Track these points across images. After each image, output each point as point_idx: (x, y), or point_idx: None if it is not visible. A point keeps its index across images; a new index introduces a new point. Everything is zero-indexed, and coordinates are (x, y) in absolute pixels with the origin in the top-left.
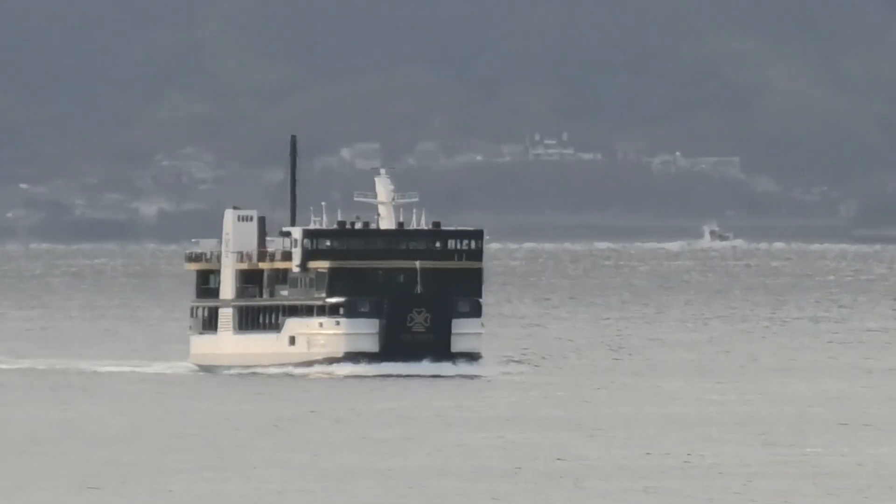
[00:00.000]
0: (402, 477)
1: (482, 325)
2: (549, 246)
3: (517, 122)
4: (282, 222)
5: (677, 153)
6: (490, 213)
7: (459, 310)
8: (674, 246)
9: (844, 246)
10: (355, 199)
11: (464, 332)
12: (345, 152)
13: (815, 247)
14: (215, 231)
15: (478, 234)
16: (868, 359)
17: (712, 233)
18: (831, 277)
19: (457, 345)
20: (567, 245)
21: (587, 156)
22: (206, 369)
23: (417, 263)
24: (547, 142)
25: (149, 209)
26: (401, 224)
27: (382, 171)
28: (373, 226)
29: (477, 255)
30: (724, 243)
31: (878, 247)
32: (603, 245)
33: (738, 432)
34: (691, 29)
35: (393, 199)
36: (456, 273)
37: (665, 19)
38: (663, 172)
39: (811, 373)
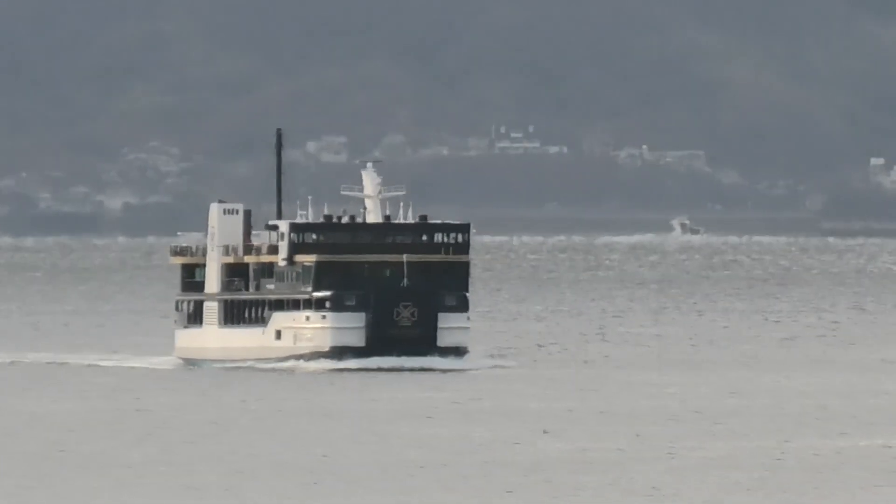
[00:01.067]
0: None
1: (469, 319)
2: (525, 238)
3: (483, 115)
4: (268, 216)
5: (643, 146)
6: (456, 207)
7: (446, 304)
8: (644, 239)
9: (816, 240)
10: (342, 192)
11: (450, 327)
12: (311, 146)
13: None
14: (181, 224)
15: (465, 228)
16: (832, 352)
17: (683, 226)
18: (814, 272)
19: (443, 339)
20: (536, 238)
21: (553, 149)
22: (191, 363)
23: (404, 257)
24: (513, 135)
25: (114, 202)
26: (387, 217)
27: (369, 164)
28: (359, 219)
29: (464, 248)
30: (695, 237)
31: (850, 240)
32: (576, 238)
33: (697, 424)
34: (656, 22)
35: (379, 193)
36: (443, 267)
37: (630, 12)
38: (629, 166)
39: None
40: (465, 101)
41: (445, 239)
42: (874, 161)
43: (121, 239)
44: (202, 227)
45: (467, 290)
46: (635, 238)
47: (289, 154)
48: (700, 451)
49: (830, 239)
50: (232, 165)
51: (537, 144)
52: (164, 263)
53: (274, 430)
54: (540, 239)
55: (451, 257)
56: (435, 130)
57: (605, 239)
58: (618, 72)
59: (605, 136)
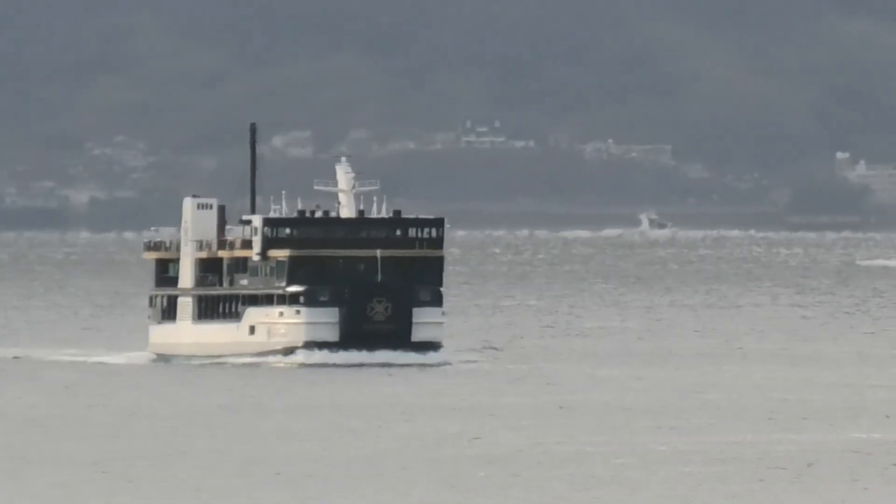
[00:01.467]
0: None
1: (443, 314)
2: (480, 234)
3: (449, 109)
4: (241, 210)
5: (609, 140)
6: (422, 201)
7: (420, 299)
8: (611, 233)
9: (785, 233)
10: (315, 187)
11: (424, 322)
12: (277, 140)
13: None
14: (148, 218)
15: (438, 223)
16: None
17: (651, 220)
18: (792, 264)
19: (417, 334)
20: (500, 232)
21: (519, 143)
22: (165, 359)
23: (378, 252)
24: (479, 129)
25: (80, 197)
26: (361, 212)
27: (343, 159)
28: (333, 214)
29: (438, 243)
30: (662, 231)
31: (816, 234)
32: (542, 233)
33: (653, 420)
34: (623, 16)
35: (353, 187)
36: (416, 262)
37: (597, 7)
38: (595, 160)
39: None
40: (432, 96)
41: (419, 234)
42: (840, 155)
43: (84, 234)
44: (168, 221)
45: (441, 285)
46: (604, 232)
47: (256, 147)
48: (664, 445)
49: (797, 233)
50: (198, 160)
51: (504, 139)
52: (133, 258)
53: (236, 426)
54: (505, 233)
55: (425, 252)
56: (401, 125)
57: (574, 233)
58: (584, 66)
59: (571, 130)
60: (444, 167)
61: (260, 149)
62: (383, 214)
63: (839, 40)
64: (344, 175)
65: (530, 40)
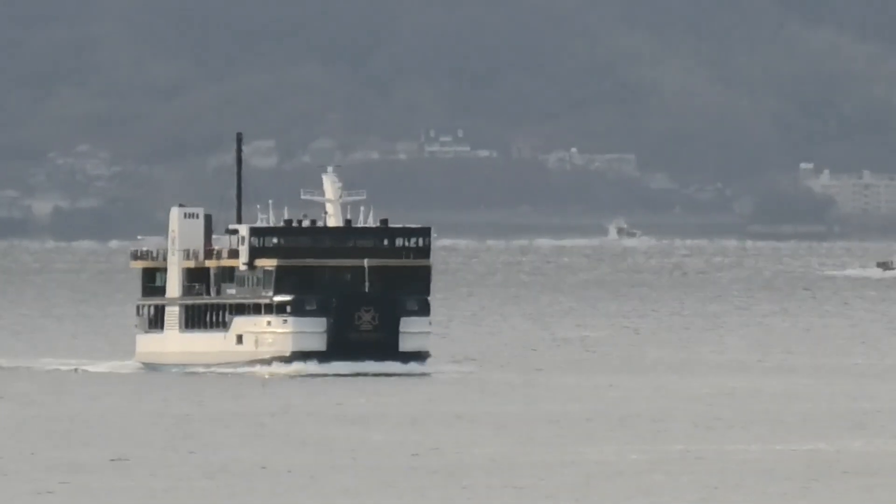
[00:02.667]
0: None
1: (430, 323)
2: (444, 242)
3: (412, 119)
4: (227, 220)
5: (573, 150)
6: (386, 211)
7: (407, 308)
8: (580, 243)
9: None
10: (302, 196)
11: (412, 331)
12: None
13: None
14: (111, 228)
15: (425, 232)
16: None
17: (620, 230)
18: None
19: (404, 343)
20: (461, 241)
21: (482, 152)
22: (153, 368)
23: (365, 261)
24: (442, 139)
25: (43, 207)
26: (348, 221)
27: (330, 168)
28: (320, 223)
29: (425, 252)
30: (631, 240)
31: (779, 244)
32: (493, 242)
33: (623, 430)
34: (585, 26)
35: (340, 197)
36: (404, 271)
37: (559, 16)
38: (559, 169)
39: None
40: (395, 106)
41: (406, 243)
42: (803, 165)
43: (50, 243)
44: (132, 230)
45: (428, 295)
46: (573, 241)
47: (219, 158)
48: (629, 455)
49: (759, 242)
50: (162, 169)
51: (467, 148)
52: (100, 267)
53: (207, 434)
54: (468, 242)
55: (412, 262)
56: (364, 134)
57: (543, 241)
58: (547, 76)
59: (534, 139)
60: (407, 176)
61: (224, 158)
62: (370, 224)
63: (802, 50)
64: (331, 185)
65: (493, 50)
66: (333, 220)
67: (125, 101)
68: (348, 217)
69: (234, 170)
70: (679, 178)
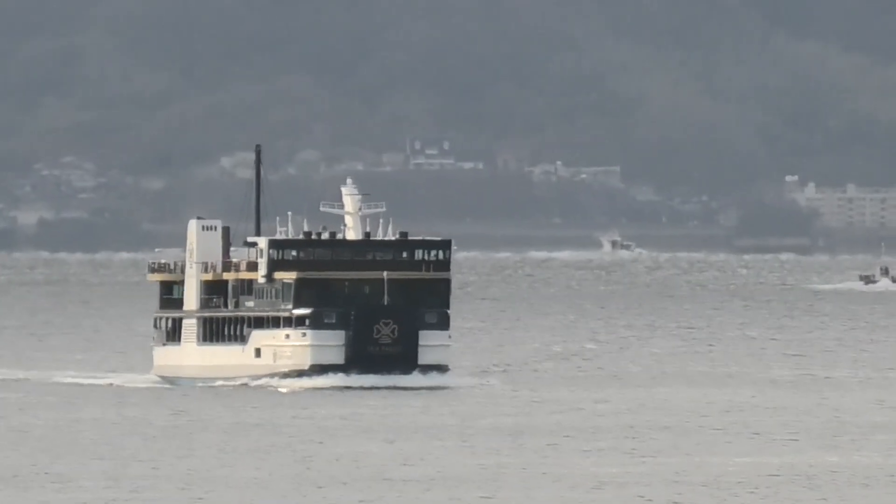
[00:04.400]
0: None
1: (450, 336)
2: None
3: (398, 130)
4: (246, 232)
5: (558, 162)
6: (370, 223)
7: (427, 321)
8: (575, 256)
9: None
10: (321, 209)
11: (431, 344)
12: (225, 161)
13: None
14: (96, 239)
15: (445, 245)
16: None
17: (613, 243)
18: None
19: (424, 357)
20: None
21: (468, 165)
22: (170, 381)
23: (384, 274)
24: (428, 151)
25: (28, 218)
26: (367, 234)
27: (349, 180)
28: (339, 236)
29: (444, 265)
30: (626, 253)
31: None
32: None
33: (608, 441)
34: (572, 38)
35: (359, 209)
36: (423, 284)
37: (545, 28)
38: (544, 182)
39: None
40: (381, 117)
41: (426, 256)
42: (789, 178)
43: (34, 254)
44: (117, 243)
45: (448, 308)
46: (568, 254)
47: (203, 170)
48: (604, 469)
49: (745, 256)
50: (147, 181)
51: (452, 160)
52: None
53: (189, 445)
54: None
55: (432, 274)
56: (350, 146)
57: (534, 254)
58: (533, 88)
59: (520, 152)
60: (393, 189)
61: (209, 170)
62: (390, 236)
63: (788, 63)
64: (350, 197)
65: (479, 62)
66: (353, 233)
67: (111, 112)
68: (367, 229)
69: (253, 182)
70: (664, 191)
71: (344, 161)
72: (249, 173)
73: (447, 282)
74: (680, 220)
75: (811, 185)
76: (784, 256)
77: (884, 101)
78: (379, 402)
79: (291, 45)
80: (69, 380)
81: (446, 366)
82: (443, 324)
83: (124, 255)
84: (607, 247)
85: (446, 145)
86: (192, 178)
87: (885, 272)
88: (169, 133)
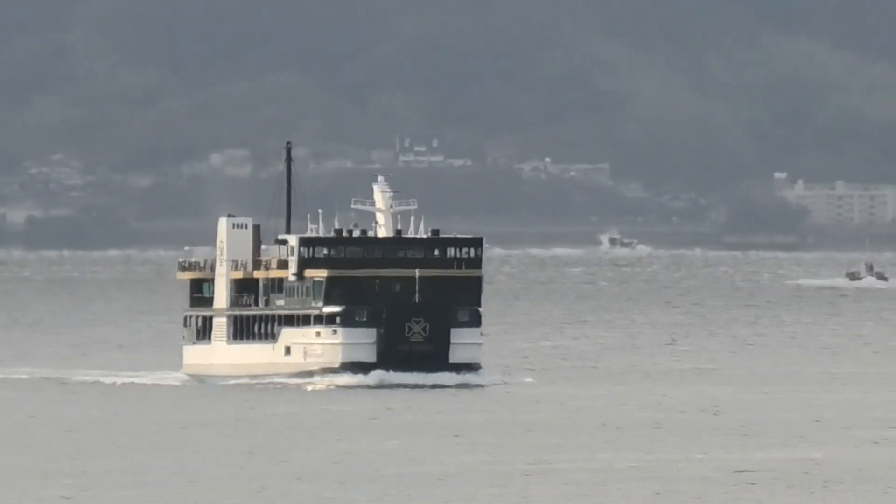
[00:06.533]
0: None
1: (481, 334)
2: None
3: (387, 128)
4: (276, 229)
5: (547, 159)
6: (359, 220)
7: (458, 319)
8: (574, 253)
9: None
10: (352, 206)
11: (463, 342)
12: (214, 158)
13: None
14: (84, 238)
15: (477, 242)
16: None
17: (612, 240)
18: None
19: (455, 355)
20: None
21: (457, 162)
22: (200, 380)
23: (416, 272)
24: (417, 148)
25: (17, 215)
26: (399, 231)
27: (381, 177)
28: (370, 233)
29: (476, 263)
30: (627, 250)
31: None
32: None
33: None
34: (560, 35)
35: (391, 207)
36: (455, 282)
37: (534, 25)
38: (533, 179)
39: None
40: (370, 114)
41: (457, 253)
42: (778, 175)
43: (16, 252)
44: (106, 240)
45: (480, 306)
46: (563, 251)
47: (192, 166)
48: (583, 464)
49: (735, 252)
50: (136, 178)
51: (441, 157)
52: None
53: (183, 442)
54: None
55: (464, 272)
56: (339, 143)
57: (534, 251)
58: (522, 85)
59: (509, 149)
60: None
61: (198, 167)
62: (421, 234)
63: (777, 59)
64: (381, 194)
65: (468, 59)
66: (384, 230)
67: (99, 109)
68: (398, 227)
69: (284, 179)
70: (653, 188)
71: (333, 158)
72: (240, 171)
73: (479, 279)
74: (669, 216)
75: (800, 181)
76: (764, 254)
77: (872, 97)
78: (407, 399)
79: (280, 41)
80: (100, 379)
81: (478, 364)
82: (475, 321)
83: (113, 253)
84: (606, 244)
85: (435, 142)
86: (180, 176)
87: (870, 269)
88: (157, 130)
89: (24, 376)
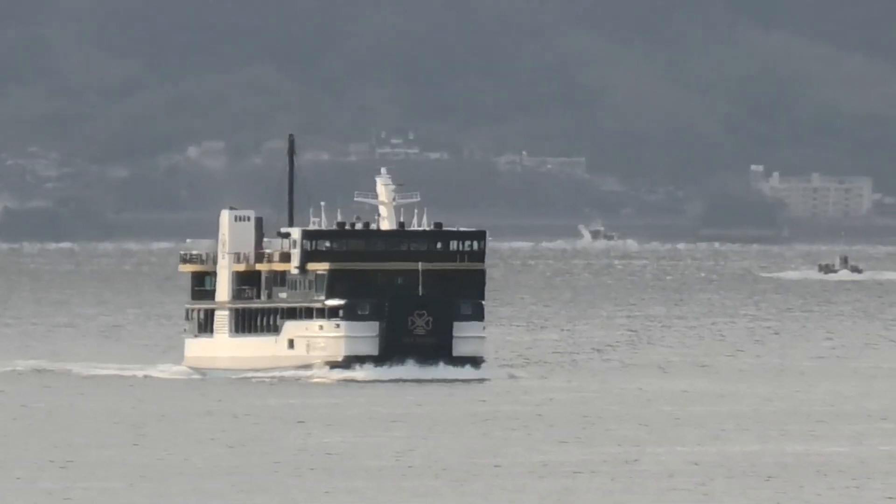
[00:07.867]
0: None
1: (484, 328)
2: None
3: (363, 120)
4: (279, 222)
5: (523, 152)
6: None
7: (461, 312)
8: (554, 245)
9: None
10: (355, 199)
11: (466, 336)
12: (191, 150)
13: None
14: (60, 230)
15: (480, 235)
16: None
17: (595, 233)
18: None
19: (459, 348)
20: None
21: (433, 155)
22: (202, 373)
23: (419, 265)
24: (393, 140)
25: None
26: (401, 224)
27: (383, 170)
28: (373, 226)
29: (479, 256)
30: (609, 243)
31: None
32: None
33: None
34: (537, 28)
35: (394, 200)
36: (458, 275)
37: (511, 18)
38: (509, 172)
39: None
40: (346, 107)
41: (460, 247)
42: (754, 168)
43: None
44: (82, 232)
45: (483, 299)
46: (548, 244)
47: (169, 158)
48: (563, 456)
49: (716, 244)
50: (112, 170)
51: (418, 150)
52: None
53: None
54: None
55: (467, 265)
56: (316, 136)
57: (514, 244)
58: (498, 78)
59: (485, 142)
60: (358, 178)
61: (175, 158)
62: (424, 227)
63: (753, 53)
64: (384, 187)
65: (444, 52)
66: (387, 223)
67: (76, 101)
68: (401, 220)
69: (286, 172)
70: (630, 181)
71: (309, 150)
72: (216, 163)
73: (482, 272)
74: (645, 210)
75: (776, 174)
76: (735, 246)
77: (848, 91)
78: (413, 393)
79: (256, 34)
80: (101, 371)
81: (481, 357)
82: (478, 315)
83: (95, 245)
84: (587, 237)
85: (412, 135)
86: (157, 168)
87: (845, 262)
88: (134, 123)
89: (20, 369)
